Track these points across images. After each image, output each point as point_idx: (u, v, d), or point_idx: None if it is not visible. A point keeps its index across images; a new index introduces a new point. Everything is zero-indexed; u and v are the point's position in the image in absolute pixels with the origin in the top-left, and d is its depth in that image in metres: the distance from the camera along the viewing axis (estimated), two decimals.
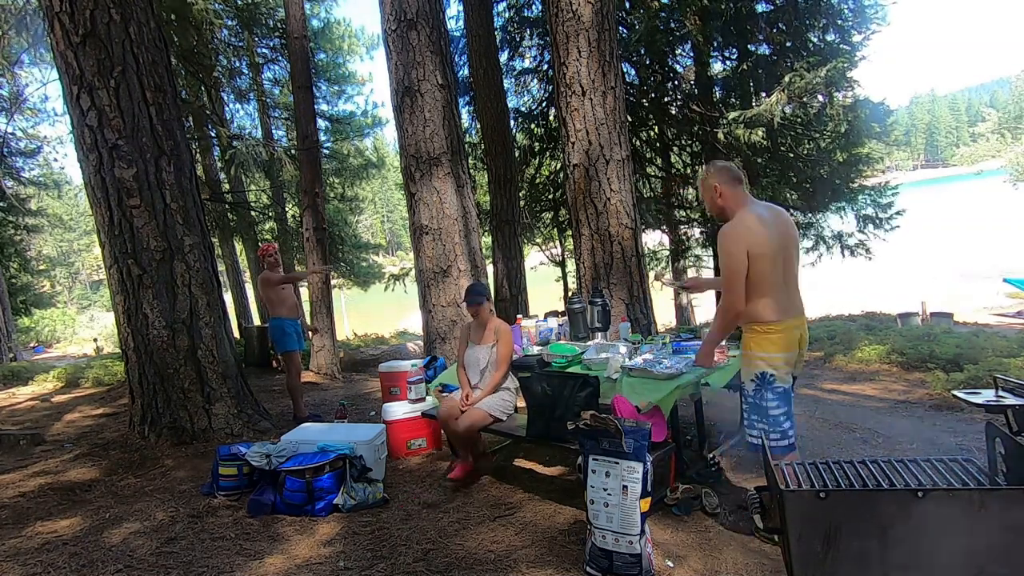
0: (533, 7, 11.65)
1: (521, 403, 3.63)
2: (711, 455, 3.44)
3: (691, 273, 13.66)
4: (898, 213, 9.96)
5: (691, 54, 10.46)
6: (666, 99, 10.98)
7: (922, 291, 14.60)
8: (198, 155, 11.43)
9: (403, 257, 51.84)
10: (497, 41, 9.82)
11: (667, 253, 12.67)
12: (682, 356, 3.45)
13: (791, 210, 10.15)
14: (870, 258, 10.37)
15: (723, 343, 3.56)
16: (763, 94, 9.26)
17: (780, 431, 2.60)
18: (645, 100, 11.05)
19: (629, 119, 8.42)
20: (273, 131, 13.92)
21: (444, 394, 4.62)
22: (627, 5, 10.09)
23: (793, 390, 2.75)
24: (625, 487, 2.42)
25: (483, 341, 3.78)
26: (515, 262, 9.05)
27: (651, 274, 12.51)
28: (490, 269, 8.39)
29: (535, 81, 12.25)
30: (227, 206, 12.41)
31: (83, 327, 25.33)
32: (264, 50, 13.25)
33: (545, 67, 11.64)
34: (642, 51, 10.26)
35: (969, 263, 21.36)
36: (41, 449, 4.83)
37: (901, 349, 6.04)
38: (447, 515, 3.19)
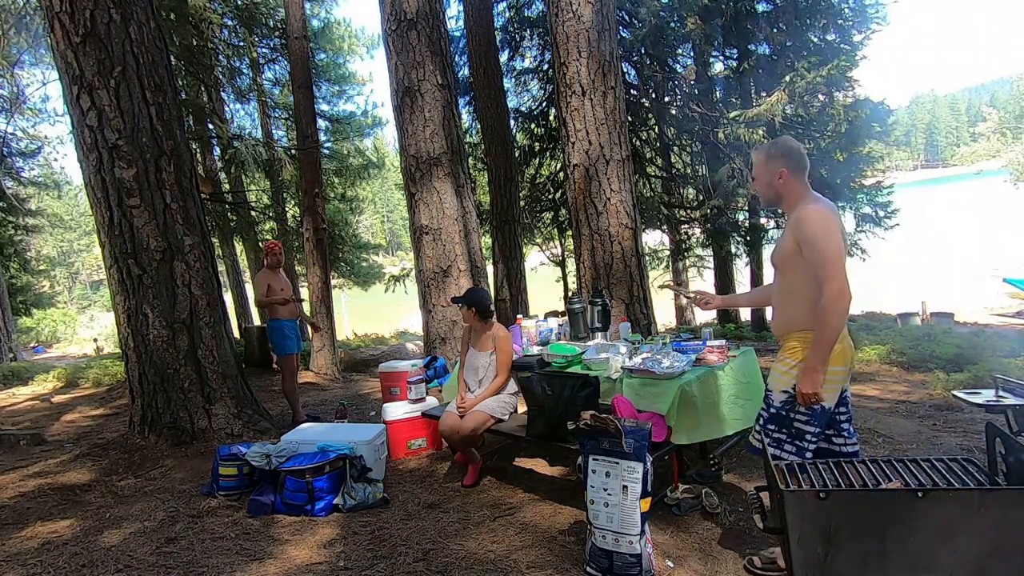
0: (533, 7, 11.65)
1: (522, 405, 3.63)
2: (712, 456, 3.44)
3: (691, 273, 13.65)
4: (894, 212, 9.96)
5: (691, 54, 10.47)
6: (666, 99, 10.98)
7: (922, 291, 14.59)
8: (198, 155, 11.42)
9: (403, 257, 51.81)
10: (497, 41, 9.82)
11: (667, 253, 12.67)
12: (683, 355, 3.44)
13: None
14: (864, 259, 10.38)
15: (723, 342, 3.56)
16: (763, 94, 9.27)
17: (798, 445, 2.26)
18: (645, 100, 11.05)
19: (629, 119, 8.42)
20: (273, 131, 13.91)
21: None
22: (627, 4, 10.10)
23: (848, 404, 2.38)
24: (625, 487, 2.42)
25: (483, 348, 3.76)
26: (515, 262, 9.06)
27: (655, 278, 12.51)
28: (490, 269, 8.39)
29: (535, 81, 12.25)
30: (227, 206, 12.40)
31: (83, 327, 25.30)
32: (264, 50, 13.23)
33: (545, 67, 11.64)
34: (642, 51, 10.26)
35: (969, 263, 21.34)
36: (41, 449, 4.82)
37: (901, 349, 6.04)
38: (447, 515, 3.19)
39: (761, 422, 2.38)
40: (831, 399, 2.24)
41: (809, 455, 2.26)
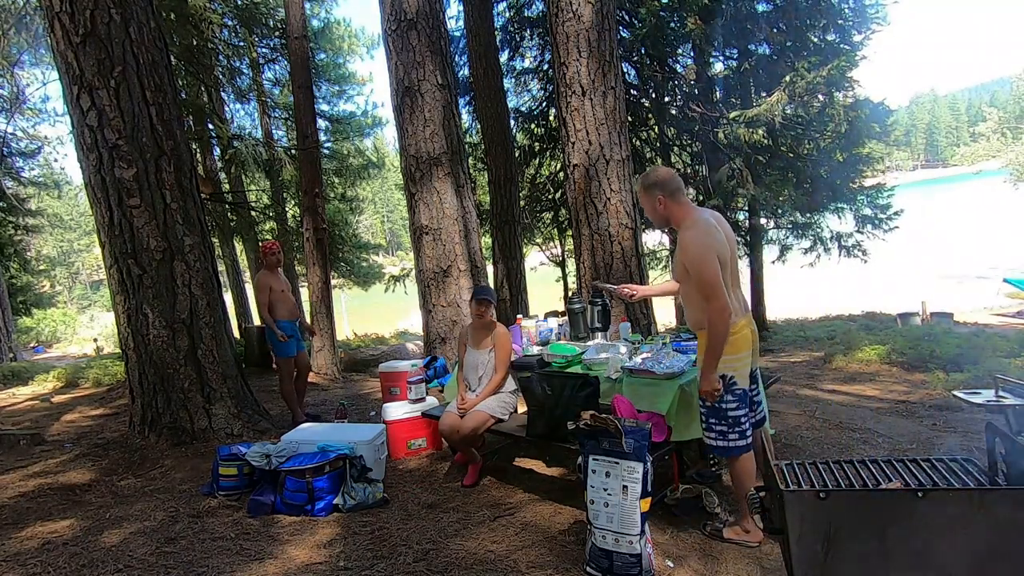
0: (533, 7, 11.65)
1: (522, 405, 3.63)
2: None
3: None
4: (896, 213, 9.98)
5: (691, 54, 10.46)
6: (666, 99, 10.98)
7: (922, 291, 14.59)
8: (198, 155, 11.42)
9: (403, 257, 51.76)
10: (497, 41, 9.83)
11: (667, 253, 12.67)
12: (683, 355, 3.43)
13: (792, 210, 10.16)
14: (866, 260, 10.38)
15: None
16: (763, 94, 9.27)
17: (739, 431, 2.58)
18: (645, 100, 11.05)
19: (629, 119, 8.42)
20: (273, 131, 13.90)
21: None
22: (627, 4, 10.09)
23: (761, 383, 2.84)
24: (625, 487, 2.42)
25: (482, 346, 3.77)
26: (515, 262, 9.06)
27: (655, 278, 12.51)
28: (490, 269, 8.39)
29: (535, 81, 12.25)
30: (227, 206, 12.40)
31: (83, 327, 25.29)
32: (264, 50, 13.23)
33: (545, 67, 11.64)
34: (642, 51, 10.26)
35: (970, 263, 21.34)
36: (41, 449, 4.82)
37: (901, 349, 6.04)
38: (447, 515, 3.19)
39: (704, 420, 2.68)
40: (745, 382, 2.60)
41: (749, 435, 2.61)
